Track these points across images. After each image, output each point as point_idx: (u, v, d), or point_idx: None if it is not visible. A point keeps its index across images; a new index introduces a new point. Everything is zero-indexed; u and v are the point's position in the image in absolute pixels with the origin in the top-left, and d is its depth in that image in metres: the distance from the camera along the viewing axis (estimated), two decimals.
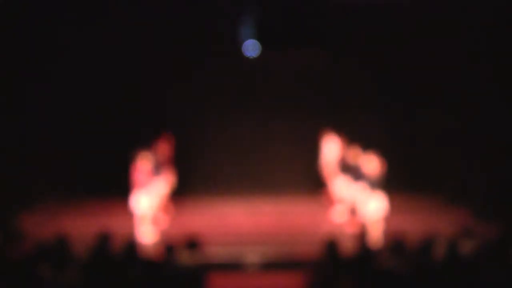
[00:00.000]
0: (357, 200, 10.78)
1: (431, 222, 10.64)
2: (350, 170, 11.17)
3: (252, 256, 9.55)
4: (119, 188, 12.26)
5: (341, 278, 6.63)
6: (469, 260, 7.01)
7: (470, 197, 12.16)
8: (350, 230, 10.68)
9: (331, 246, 6.99)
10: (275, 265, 9.47)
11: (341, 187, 11.59)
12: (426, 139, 14.03)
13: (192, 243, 7.24)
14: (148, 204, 10.55)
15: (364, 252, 7.10)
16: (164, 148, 11.76)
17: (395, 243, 7.22)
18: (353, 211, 11.10)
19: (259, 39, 14.27)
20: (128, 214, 11.10)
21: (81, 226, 10.49)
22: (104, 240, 7.23)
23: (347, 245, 7.61)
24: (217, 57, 14.11)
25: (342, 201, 11.70)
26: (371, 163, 10.31)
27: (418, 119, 14.18)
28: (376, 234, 9.81)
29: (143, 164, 10.55)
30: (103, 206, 12.71)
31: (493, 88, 12.00)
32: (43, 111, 13.13)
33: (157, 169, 11.06)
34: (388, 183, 10.58)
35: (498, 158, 11.81)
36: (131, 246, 7.08)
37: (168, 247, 7.11)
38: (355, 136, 12.75)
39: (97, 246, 7.16)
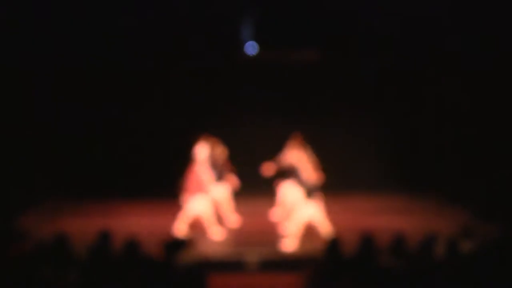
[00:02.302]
0: (296, 203, 10.70)
1: (431, 222, 10.64)
2: (294, 174, 11.06)
3: (252, 256, 9.54)
4: (119, 188, 12.26)
5: (341, 278, 6.64)
6: (469, 260, 7.02)
7: (470, 197, 12.17)
8: (286, 230, 10.63)
9: (331, 246, 7.00)
10: (275, 265, 9.46)
11: (286, 190, 11.50)
12: (426, 140, 14.03)
13: (189, 243, 7.25)
14: (200, 206, 10.51)
15: (364, 252, 7.10)
16: (217, 150, 11.62)
17: (395, 243, 7.22)
18: (290, 213, 10.95)
19: (258, 39, 14.27)
20: (128, 214, 11.13)
21: (81, 226, 10.49)
22: (104, 240, 7.23)
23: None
24: (217, 57, 14.10)
25: (284, 203, 11.59)
26: (307, 169, 10.23)
27: (418, 119, 14.18)
28: (323, 235, 9.74)
29: (199, 166, 10.57)
30: (103, 206, 12.71)
31: (493, 89, 12.00)
32: (43, 111, 13.13)
33: (214, 172, 11.11)
34: (389, 183, 10.58)
35: (498, 158, 11.80)
36: (131, 246, 7.07)
37: (168, 247, 7.11)
38: (355, 136, 12.75)
39: (97, 246, 7.16)
